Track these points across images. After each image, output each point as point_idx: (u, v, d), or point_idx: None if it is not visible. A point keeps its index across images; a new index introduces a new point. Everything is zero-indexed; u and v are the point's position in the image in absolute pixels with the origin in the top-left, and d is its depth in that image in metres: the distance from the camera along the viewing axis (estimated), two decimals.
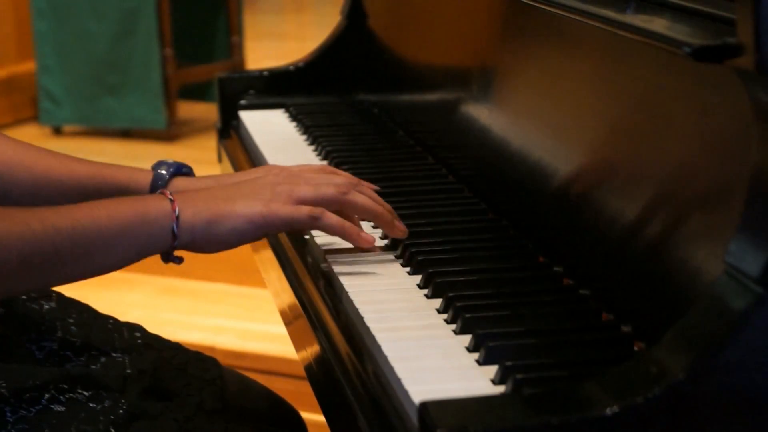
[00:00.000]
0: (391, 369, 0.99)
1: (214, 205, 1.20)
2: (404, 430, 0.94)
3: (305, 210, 1.22)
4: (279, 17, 7.86)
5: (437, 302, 1.14)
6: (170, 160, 1.38)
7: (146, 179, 1.35)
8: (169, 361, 1.39)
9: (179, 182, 1.35)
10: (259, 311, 3.02)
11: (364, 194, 1.28)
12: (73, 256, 1.13)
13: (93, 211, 1.15)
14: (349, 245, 1.27)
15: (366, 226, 1.34)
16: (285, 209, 1.21)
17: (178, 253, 1.21)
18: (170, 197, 1.18)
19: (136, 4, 4.44)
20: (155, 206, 1.18)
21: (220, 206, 1.20)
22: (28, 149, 1.36)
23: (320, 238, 1.31)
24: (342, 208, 1.26)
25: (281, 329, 1.46)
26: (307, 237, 1.36)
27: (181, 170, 1.37)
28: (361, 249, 1.28)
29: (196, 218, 1.18)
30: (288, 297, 1.34)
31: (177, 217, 1.17)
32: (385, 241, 1.31)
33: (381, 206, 1.28)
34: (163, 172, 1.35)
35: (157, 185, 1.34)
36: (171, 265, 1.23)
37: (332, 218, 1.23)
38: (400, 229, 1.28)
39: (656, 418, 0.82)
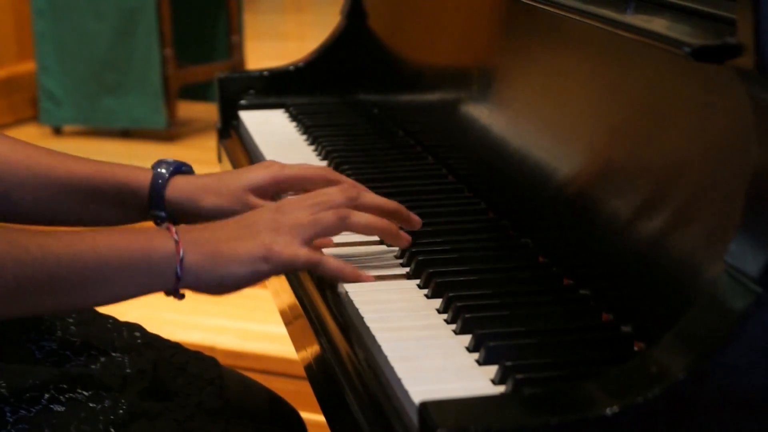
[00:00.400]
0: (391, 369, 0.99)
1: (217, 249, 1.16)
2: (404, 430, 0.94)
3: (303, 258, 1.18)
4: (279, 17, 7.86)
5: (437, 302, 1.14)
6: (170, 159, 1.37)
7: (146, 178, 1.35)
8: (169, 361, 1.39)
9: (179, 180, 1.35)
10: (259, 311, 3.02)
11: (366, 205, 1.25)
12: (70, 287, 1.11)
13: (95, 242, 1.12)
14: (342, 240, 1.28)
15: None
16: (286, 253, 1.17)
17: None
18: (175, 237, 1.14)
19: (136, 4, 4.44)
20: (159, 244, 1.14)
21: (223, 251, 1.16)
22: (28, 149, 1.36)
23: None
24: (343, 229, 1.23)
25: (281, 329, 1.46)
26: None
27: (181, 169, 1.37)
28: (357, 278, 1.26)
29: (200, 263, 1.15)
30: (288, 297, 1.34)
31: (181, 260, 1.14)
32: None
33: (383, 221, 1.25)
34: (163, 171, 1.35)
35: (157, 184, 1.34)
36: None
37: (331, 264, 1.19)
38: (406, 239, 1.26)
39: (656, 418, 0.82)
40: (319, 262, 1.19)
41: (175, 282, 1.14)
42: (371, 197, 1.27)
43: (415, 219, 1.29)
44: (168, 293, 1.18)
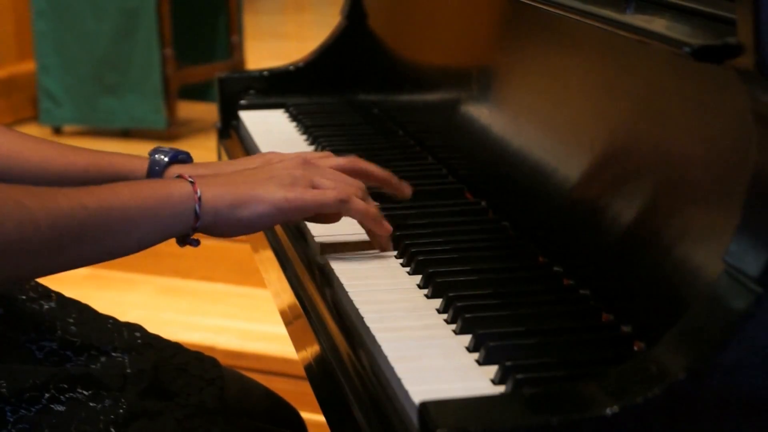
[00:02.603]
0: (391, 369, 0.99)
1: (234, 188, 1.20)
2: (404, 430, 0.94)
3: (332, 193, 1.22)
4: (279, 17, 7.86)
5: (437, 302, 1.14)
6: (167, 147, 1.38)
7: (143, 166, 1.36)
8: (169, 361, 1.39)
9: (177, 169, 1.36)
10: (259, 311, 3.02)
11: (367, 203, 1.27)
12: (100, 234, 1.13)
13: (117, 192, 1.15)
14: (344, 240, 1.28)
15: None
16: (310, 193, 1.22)
17: (195, 235, 1.21)
18: (190, 179, 1.18)
19: (136, 4, 4.44)
20: (177, 188, 1.18)
21: (242, 190, 1.20)
22: (26, 140, 1.36)
23: (319, 237, 1.32)
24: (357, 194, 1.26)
25: (281, 329, 1.46)
26: (307, 238, 1.36)
27: (178, 157, 1.37)
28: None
29: (218, 201, 1.18)
30: (288, 297, 1.34)
31: (199, 198, 1.17)
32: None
33: (375, 211, 1.26)
34: (159, 158, 1.36)
35: (155, 171, 1.35)
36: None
37: (359, 203, 1.24)
38: (387, 230, 1.28)
39: (656, 418, 0.82)
40: (348, 199, 1.23)
41: (194, 221, 1.17)
42: (370, 203, 1.27)
43: (406, 186, 1.33)
44: (184, 239, 1.20)
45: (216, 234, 1.21)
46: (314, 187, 1.23)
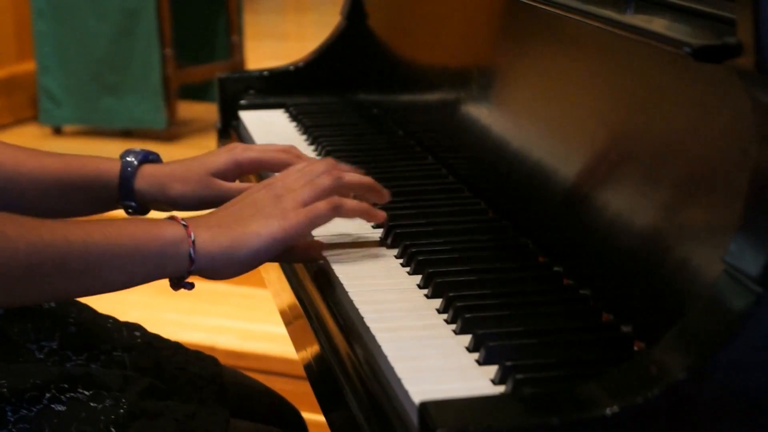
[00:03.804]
0: (391, 369, 0.99)
1: (228, 230, 1.18)
2: (404, 430, 0.94)
3: (323, 205, 1.22)
4: (279, 17, 7.86)
5: (437, 302, 1.14)
6: (137, 149, 1.39)
7: (115, 168, 1.36)
8: (169, 361, 1.39)
9: (147, 168, 1.37)
10: (259, 311, 3.02)
11: (349, 185, 1.28)
12: (81, 270, 1.11)
13: (105, 228, 1.13)
14: (344, 240, 1.29)
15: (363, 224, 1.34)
16: (302, 214, 1.21)
17: (189, 278, 1.19)
18: (183, 222, 1.16)
19: (136, 4, 4.44)
20: (170, 229, 1.15)
21: (235, 230, 1.18)
22: None
23: (319, 237, 1.32)
24: (338, 192, 1.26)
25: (281, 329, 1.46)
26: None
27: (148, 158, 1.38)
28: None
29: (214, 244, 1.16)
30: (288, 297, 1.34)
31: (193, 242, 1.15)
32: (386, 239, 1.31)
33: (366, 206, 1.28)
34: (131, 159, 1.36)
35: (127, 172, 1.36)
36: None
37: (351, 202, 1.25)
38: (381, 216, 1.29)
39: (656, 418, 0.82)
40: (340, 203, 1.23)
41: (189, 265, 1.15)
42: (351, 177, 1.29)
43: (386, 192, 1.32)
44: (178, 282, 1.19)
45: (214, 277, 1.19)
46: (305, 205, 1.22)
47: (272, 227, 1.18)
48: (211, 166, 1.37)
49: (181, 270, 1.16)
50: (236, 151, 1.40)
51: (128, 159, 1.36)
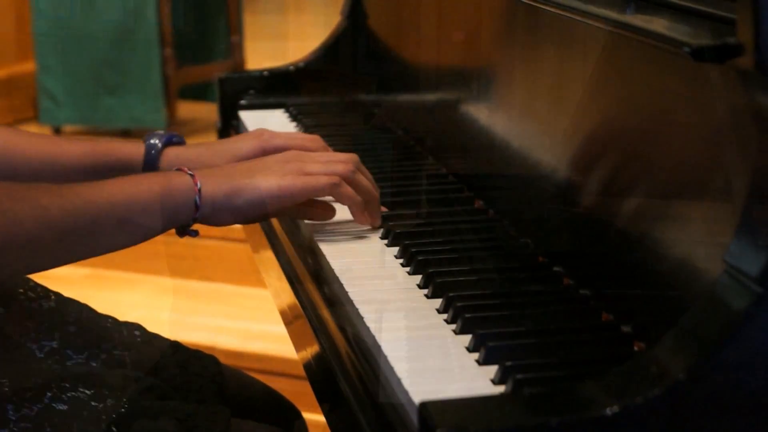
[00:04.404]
0: (391, 369, 0.99)
1: (231, 179, 1.25)
2: (404, 430, 0.94)
3: (323, 178, 1.27)
4: (279, 17, 7.85)
5: (437, 302, 1.14)
6: (161, 131, 1.42)
7: (139, 150, 1.39)
8: (169, 360, 1.39)
9: (172, 151, 1.40)
10: (259, 311, 3.02)
11: (357, 183, 1.31)
12: (110, 229, 1.17)
13: (123, 185, 1.19)
14: (342, 239, 1.29)
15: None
16: (301, 180, 1.26)
17: (194, 226, 1.25)
18: (189, 173, 1.23)
19: (136, 4, 4.44)
20: (178, 180, 1.22)
21: (238, 180, 1.25)
22: (22, 135, 1.39)
23: (319, 237, 1.32)
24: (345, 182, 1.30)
25: (281, 329, 1.46)
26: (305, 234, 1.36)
27: (172, 140, 1.41)
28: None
29: (216, 191, 1.23)
30: (288, 297, 1.34)
31: (199, 190, 1.22)
32: (385, 239, 1.31)
33: (360, 200, 1.31)
34: (155, 141, 1.38)
35: (151, 155, 1.39)
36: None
37: (348, 189, 1.29)
38: (372, 221, 1.32)
39: (656, 418, 0.82)
40: (339, 183, 1.28)
41: (194, 211, 1.22)
42: (363, 179, 1.32)
43: (378, 220, 1.34)
44: (183, 229, 1.25)
45: (213, 223, 1.25)
46: (306, 174, 1.26)
47: (270, 183, 1.25)
48: (237, 152, 1.41)
49: (188, 216, 1.22)
50: (263, 138, 1.42)
51: (152, 141, 1.40)
